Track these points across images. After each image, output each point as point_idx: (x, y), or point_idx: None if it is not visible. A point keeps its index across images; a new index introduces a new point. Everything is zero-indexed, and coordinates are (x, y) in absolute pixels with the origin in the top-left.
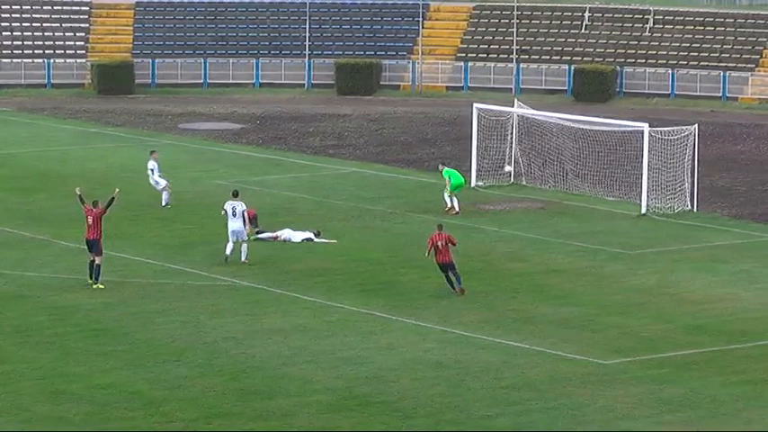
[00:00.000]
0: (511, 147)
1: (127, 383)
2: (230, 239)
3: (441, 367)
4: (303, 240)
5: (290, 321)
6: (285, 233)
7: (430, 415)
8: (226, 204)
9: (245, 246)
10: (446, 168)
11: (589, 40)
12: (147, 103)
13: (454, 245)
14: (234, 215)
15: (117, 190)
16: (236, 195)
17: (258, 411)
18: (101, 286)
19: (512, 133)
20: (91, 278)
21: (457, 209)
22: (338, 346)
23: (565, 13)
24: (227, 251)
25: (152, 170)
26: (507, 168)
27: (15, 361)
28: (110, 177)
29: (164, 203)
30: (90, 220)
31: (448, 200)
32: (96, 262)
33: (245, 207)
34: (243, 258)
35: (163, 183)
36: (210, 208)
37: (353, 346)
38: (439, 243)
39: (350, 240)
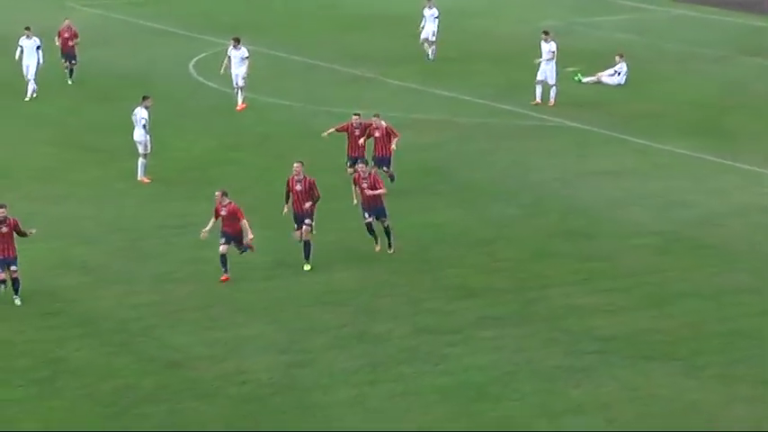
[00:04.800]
0: None
1: (455, 222)
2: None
3: None
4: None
5: (618, 163)
6: (605, 76)
7: (758, 259)
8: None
9: (553, 90)
10: None
11: None
12: None
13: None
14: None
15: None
16: (547, 33)
17: (584, 253)
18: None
19: None
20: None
21: None
22: (667, 189)
23: None
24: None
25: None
26: None
27: None
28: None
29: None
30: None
31: None
32: None
33: (555, 48)
34: (551, 100)
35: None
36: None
37: (682, 189)
38: (377, 133)
39: (679, 83)
